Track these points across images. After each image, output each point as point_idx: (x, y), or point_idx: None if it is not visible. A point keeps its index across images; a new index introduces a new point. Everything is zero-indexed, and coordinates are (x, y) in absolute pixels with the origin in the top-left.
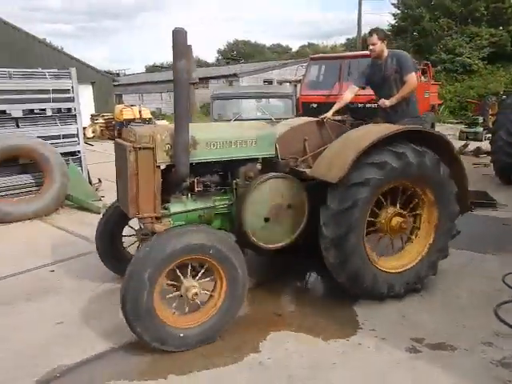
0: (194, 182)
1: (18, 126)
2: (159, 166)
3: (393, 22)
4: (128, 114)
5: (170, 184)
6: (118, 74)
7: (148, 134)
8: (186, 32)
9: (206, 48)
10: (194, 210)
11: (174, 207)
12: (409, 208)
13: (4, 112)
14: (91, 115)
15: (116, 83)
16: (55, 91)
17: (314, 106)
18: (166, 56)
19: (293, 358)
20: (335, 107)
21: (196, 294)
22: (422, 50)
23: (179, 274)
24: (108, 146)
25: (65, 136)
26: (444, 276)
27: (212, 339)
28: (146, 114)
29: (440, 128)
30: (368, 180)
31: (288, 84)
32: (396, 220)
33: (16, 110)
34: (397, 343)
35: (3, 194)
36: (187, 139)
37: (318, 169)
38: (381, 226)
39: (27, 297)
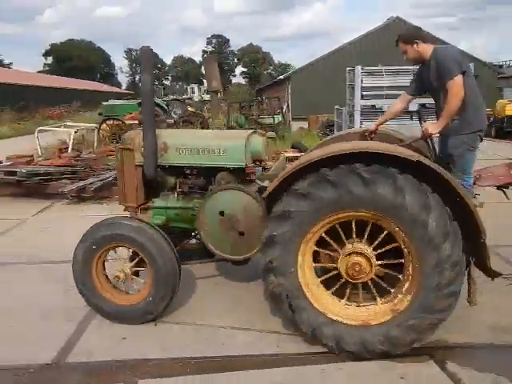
0: (176, 183)
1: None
2: (139, 165)
3: None
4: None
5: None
6: (500, 66)
7: (130, 137)
8: (151, 50)
9: None
10: (173, 207)
11: (158, 202)
12: (379, 249)
13: (374, 106)
14: None
15: (501, 75)
16: None
17: None
18: None
19: None
20: (381, 119)
21: (117, 277)
22: None
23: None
24: (495, 146)
25: None
26: None
27: (146, 318)
28: None
29: None
30: (287, 212)
31: None
32: (350, 260)
33: (385, 105)
34: None
35: None
36: (153, 143)
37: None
38: (339, 267)
39: None
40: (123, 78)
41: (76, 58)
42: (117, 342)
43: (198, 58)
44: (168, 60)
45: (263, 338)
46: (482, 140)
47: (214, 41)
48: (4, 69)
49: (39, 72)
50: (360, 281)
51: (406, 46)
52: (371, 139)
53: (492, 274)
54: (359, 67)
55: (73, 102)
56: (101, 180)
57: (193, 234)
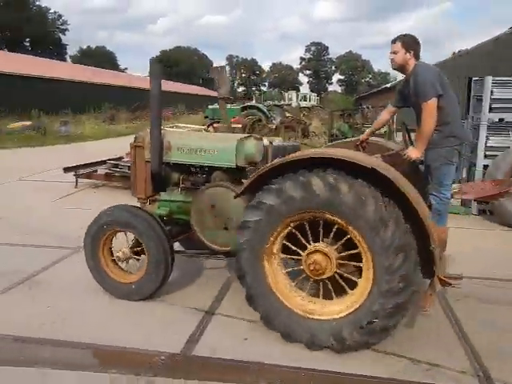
0: (180, 179)
1: None
2: (148, 161)
3: None
4: None
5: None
6: None
7: (142, 136)
8: (159, 61)
9: None
10: (175, 201)
11: (163, 195)
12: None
13: (502, 120)
14: None
15: None
16: None
17: None
18: None
19: None
20: (370, 129)
21: (117, 257)
22: None
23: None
24: None
25: None
26: None
27: (141, 296)
28: None
29: None
30: (259, 204)
31: None
32: (310, 259)
33: None
34: None
35: None
36: (158, 142)
37: None
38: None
39: None
40: None
41: (182, 63)
42: (239, 341)
43: (295, 65)
44: (266, 66)
45: (412, 366)
46: (460, 154)
47: (312, 48)
48: (121, 73)
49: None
50: (324, 276)
51: (401, 49)
52: (363, 148)
53: (441, 283)
54: (490, 77)
55: (178, 104)
56: None
57: None
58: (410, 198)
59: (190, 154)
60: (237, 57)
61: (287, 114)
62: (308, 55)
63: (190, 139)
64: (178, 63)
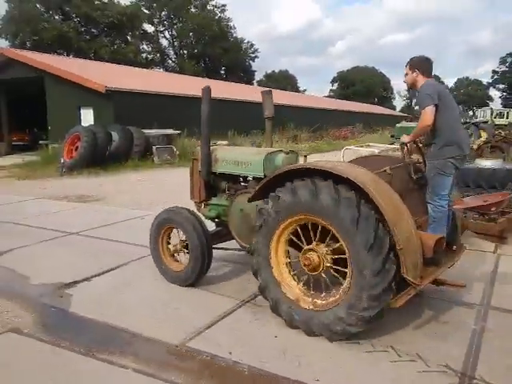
0: (225, 186)
1: None
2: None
3: None
4: None
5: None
6: None
7: (197, 151)
8: (209, 88)
9: None
10: (220, 205)
11: (213, 200)
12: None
13: None
14: None
15: None
16: None
17: None
18: None
19: None
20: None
21: (169, 249)
22: None
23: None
24: None
25: None
26: None
27: (185, 283)
28: None
29: None
30: (260, 209)
31: None
32: (305, 257)
33: None
34: None
35: None
36: (207, 155)
37: None
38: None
39: None
40: (398, 101)
41: (358, 83)
42: None
43: (485, 80)
44: (450, 82)
45: None
46: (456, 168)
47: (509, 59)
48: (302, 94)
49: (325, 97)
50: (317, 272)
51: (409, 70)
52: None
53: (411, 283)
54: None
55: (355, 123)
56: None
57: None
58: (376, 201)
59: (231, 165)
60: None
61: (483, 134)
62: (503, 67)
63: (232, 153)
64: (355, 83)
